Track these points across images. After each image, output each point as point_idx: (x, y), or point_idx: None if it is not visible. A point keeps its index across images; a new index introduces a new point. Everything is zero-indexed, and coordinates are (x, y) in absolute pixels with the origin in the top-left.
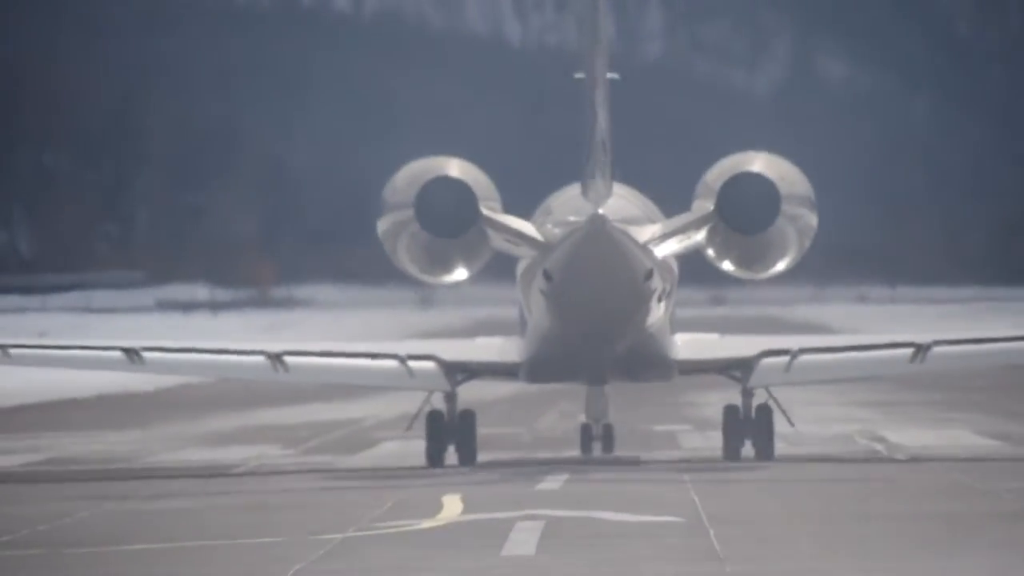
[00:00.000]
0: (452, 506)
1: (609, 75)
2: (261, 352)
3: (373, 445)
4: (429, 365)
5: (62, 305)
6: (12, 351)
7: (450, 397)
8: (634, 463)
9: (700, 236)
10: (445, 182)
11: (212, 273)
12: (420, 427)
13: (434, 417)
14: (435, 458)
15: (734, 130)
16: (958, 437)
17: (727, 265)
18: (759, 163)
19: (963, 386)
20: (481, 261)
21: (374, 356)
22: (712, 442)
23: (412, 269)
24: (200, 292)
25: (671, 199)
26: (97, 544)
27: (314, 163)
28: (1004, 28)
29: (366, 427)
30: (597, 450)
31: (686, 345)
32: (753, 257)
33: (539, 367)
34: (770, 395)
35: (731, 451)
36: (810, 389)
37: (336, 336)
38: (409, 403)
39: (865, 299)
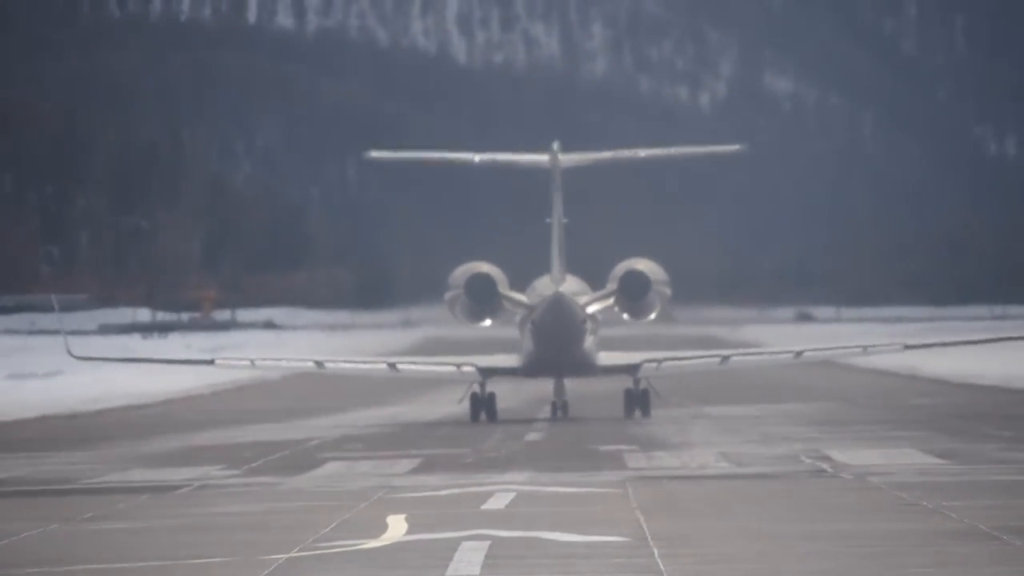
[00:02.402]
0: (397, 526)
1: (564, 220)
2: (384, 361)
3: (318, 465)
4: (471, 368)
5: (5, 327)
6: (257, 362)
7: (483, 385)
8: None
9: (610, 301)
10: (481, 275)
11: (154, 297)
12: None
13: (474, 396)
14: (475, 418)
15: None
16: (903, 455)
17: (625, 316)
18: (640, 264)
19: (907, 405)
20: (498, 315)
21: (442, 364)
22: (656, 462)
23: (462, 320)
24: (143, 315)
25: (617, 214)
26: (42, 565)
27: (255, 185)
28: (949, 48)
29: (310, 448)
30: (560, 415)
31: (605, 357)
32: (636, 312)
33: (529, 369)
34: (649, 383)
35: (628, 414)
36: (755, 408)
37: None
38: (347, 429)
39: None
